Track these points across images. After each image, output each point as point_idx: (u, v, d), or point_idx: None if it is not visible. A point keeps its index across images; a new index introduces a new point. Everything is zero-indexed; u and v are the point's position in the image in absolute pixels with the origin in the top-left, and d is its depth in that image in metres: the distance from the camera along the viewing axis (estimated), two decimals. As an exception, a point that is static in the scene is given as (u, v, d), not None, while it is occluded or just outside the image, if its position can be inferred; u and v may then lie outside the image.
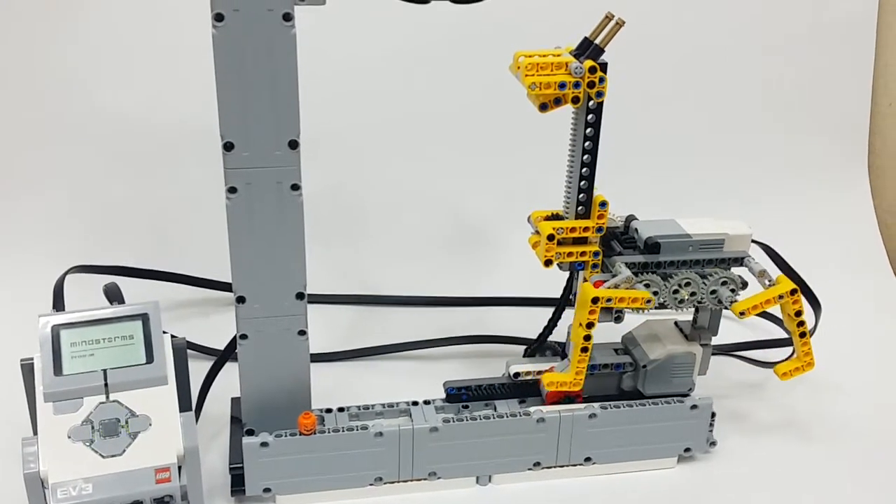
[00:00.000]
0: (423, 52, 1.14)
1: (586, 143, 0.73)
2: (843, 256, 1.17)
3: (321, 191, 1.05)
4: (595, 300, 0.73)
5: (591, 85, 0.70)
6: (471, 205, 1.18)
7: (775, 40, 1.21)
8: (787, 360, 0.82)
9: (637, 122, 1.13)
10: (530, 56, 0.70)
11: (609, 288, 0.74)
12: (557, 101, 0.71)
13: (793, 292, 0.76)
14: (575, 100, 0.71)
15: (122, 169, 1.11)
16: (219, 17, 0.61)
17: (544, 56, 0.70)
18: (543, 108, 0.71)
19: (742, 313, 0.75)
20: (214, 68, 0.63)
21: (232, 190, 0.66)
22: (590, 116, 0.72)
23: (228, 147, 0.65)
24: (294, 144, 0.66)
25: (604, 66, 0.70)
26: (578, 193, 0.74)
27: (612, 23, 0.70)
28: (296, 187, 0.67)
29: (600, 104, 0.71)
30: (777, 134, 1.24)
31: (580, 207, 0.75)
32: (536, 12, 1.13)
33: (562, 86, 0.70)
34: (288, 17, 0.62)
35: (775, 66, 1.22)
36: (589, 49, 0.71)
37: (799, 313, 0.77)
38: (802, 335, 0.78)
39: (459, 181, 1.18)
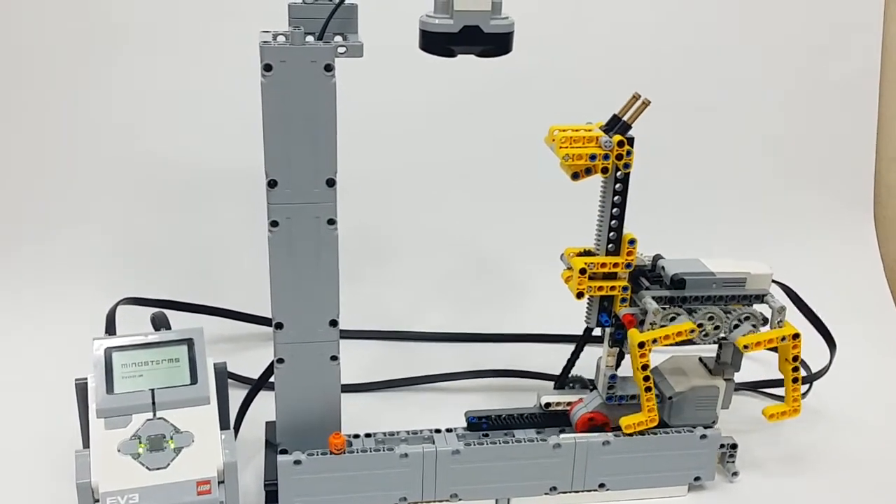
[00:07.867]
0: (453, 100, 1.19)
1: (614, 210, 0.78)
2: (850, 304, 1.18)
3: (353, 228, 1.10)
4: (641, 345, 0.77)
5: (619, 157, 0.76)
6: (495, 246, 1.22)
7: (783, 95, 1.25)
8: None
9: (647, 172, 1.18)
10: (564, 130, 0.75)
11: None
12: (588, 171, 0.76)
13: (794, 336, 0.79)
14: (604, 170, 0.76)
15: (169, 210, 1.18)
16: (268, 68, 0.67)
17: (576, 130, 0.76)
18: (575, 176, 0.76)
19: (746, 346, 0.78)
20: (262, 113, 0.68)
21: (274, 224, 0.72)
22: (617, 185, 0.77)
23: (272, 184, 0.70)
24: (331, 182, 0.71)
25: (630, 140, 0.75)
26: (609, 232, 0.79)
27: (640, 102, 0.75)
28: (332, 222, 0.72)
29: (627, 174, 0.77)
30: (785, 185, 1.27)
31: (610, 245, 0.79)
32: (555, 66, 1.19)
33: (592, 157, 0.75)
34: (329, 68, 0.68)
35: (784, 121, 1.26)
36: (618, 125, 0.76)
37: (796, 358, 0.80)
38: (795, 380, 0.81)
39: (485, 224, 1.22)
